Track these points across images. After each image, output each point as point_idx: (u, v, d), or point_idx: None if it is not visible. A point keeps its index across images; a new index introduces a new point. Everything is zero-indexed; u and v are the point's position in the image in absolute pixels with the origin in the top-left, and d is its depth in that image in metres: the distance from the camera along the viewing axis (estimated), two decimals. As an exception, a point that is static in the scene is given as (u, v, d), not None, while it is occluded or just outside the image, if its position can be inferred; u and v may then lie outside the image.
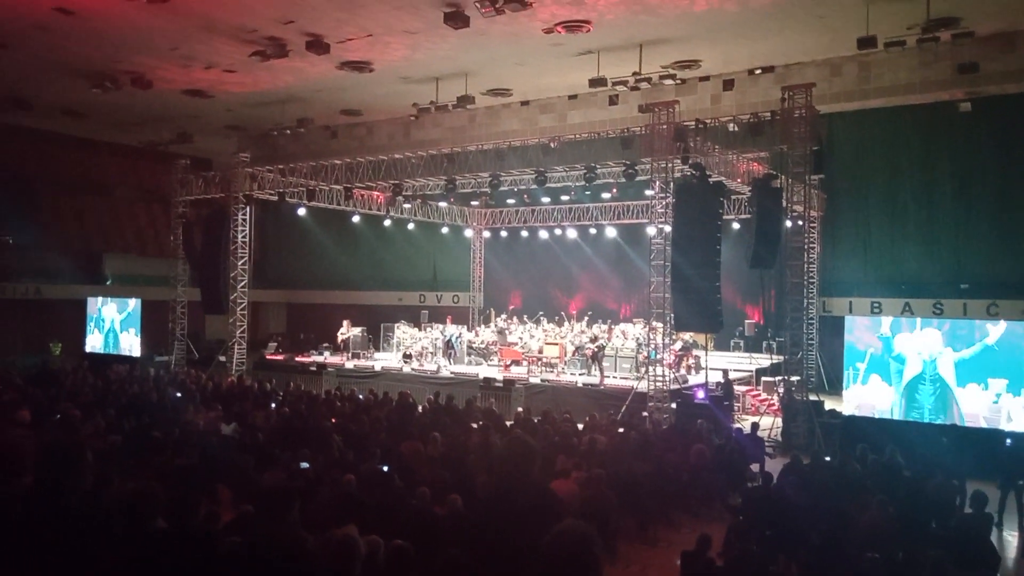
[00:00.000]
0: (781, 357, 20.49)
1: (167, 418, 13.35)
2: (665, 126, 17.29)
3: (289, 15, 15.73)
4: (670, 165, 17.54)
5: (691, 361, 21.44)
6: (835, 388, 20.39)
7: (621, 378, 20.28)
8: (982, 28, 15.54)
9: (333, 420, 13.93)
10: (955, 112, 18.19)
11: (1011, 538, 10.73)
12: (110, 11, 15.55)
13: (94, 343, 27.50)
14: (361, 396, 18.12)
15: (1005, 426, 14.19)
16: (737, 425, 16.66)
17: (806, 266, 18.26)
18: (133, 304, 26.40)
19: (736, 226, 23.84)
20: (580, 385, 19.85)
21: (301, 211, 26.86)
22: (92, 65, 19.20)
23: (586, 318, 25.45)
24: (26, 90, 21.94)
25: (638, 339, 21.49)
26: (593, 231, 28.88)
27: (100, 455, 8.04)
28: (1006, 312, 20.51)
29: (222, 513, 7.13)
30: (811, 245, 19.28)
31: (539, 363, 22.07)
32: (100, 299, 27.70)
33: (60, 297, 27.63)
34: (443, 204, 29.37)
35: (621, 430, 14.12)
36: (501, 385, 20.10)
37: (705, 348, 21.77)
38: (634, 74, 17.79)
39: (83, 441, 6.25)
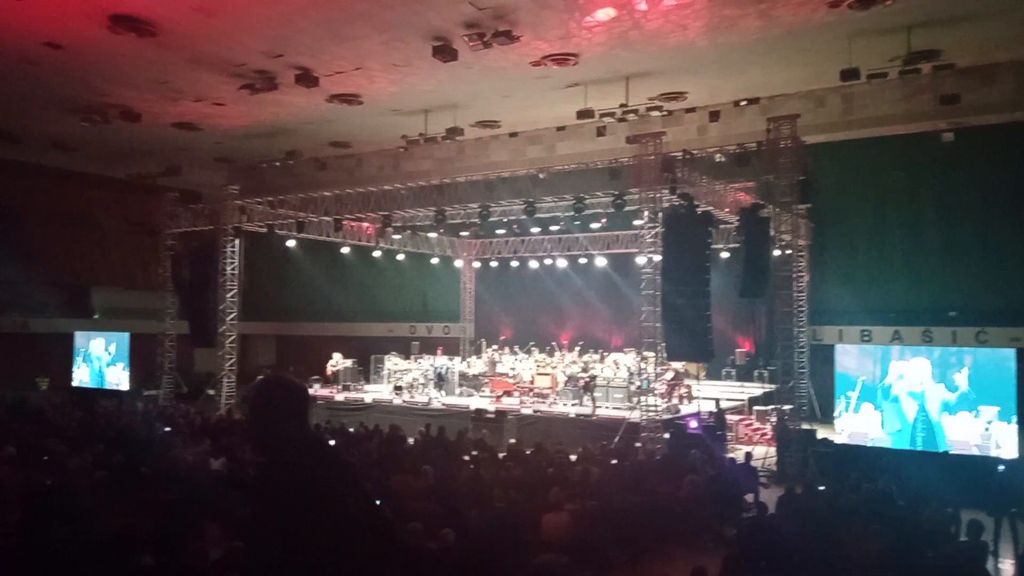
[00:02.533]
0: (773, 386, 20.50)
1: (155, 453, 13.20)
2: (652, 157, 17.41)
3: (278, 49, 15.85)
4: (658, 195, 17.64)
5: (683, 391, 21.41)
6: (827, 416, 20.38)
7: (613, 408, 20.20)
8: (962, 60, 15.79)
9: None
10: (939, 142, 18.39)
11: (1006, 567, 10.69)
12: (99, 45, 15.62)
13: (81, 377, 27.26)
14: (352, 429, 17.97)
15: (994, 453, 14.20)
16: (730, 455, 16.60)
17: (795, 295, 18.35)
18: (119, 338, 26.24)
19: (725, 255, 23.94)
20: (572, 416, 19.76)
21: (290, 243, 26.83)
22: (81, 99, 19.24)
23: (577, 348, 25.42)
24: (14, 124, 21.94)
25: (630, 369, 21.46)
26: (583, 261, 28.92)
27: (88, 491, 7.94)
28: (995, 339, 20.61)
29: (211, 549, 7.03)
30: (799, 274, 19.41)
31: (531, 393, 21.98)
32: (88, 333, 27.51)
33: (47, 331, 27.41)
34: (433, 235, 29.40)
35: (614, 461, 14.04)
36: (493, 416, 20.01)
37: (697, 377, 21.75)
38: (621, 106, 17.97)
39: (75, 486, 6.15)
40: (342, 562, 2.64)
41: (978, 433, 14.58)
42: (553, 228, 27.03)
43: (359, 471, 3.28)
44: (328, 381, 25.48)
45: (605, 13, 14.04)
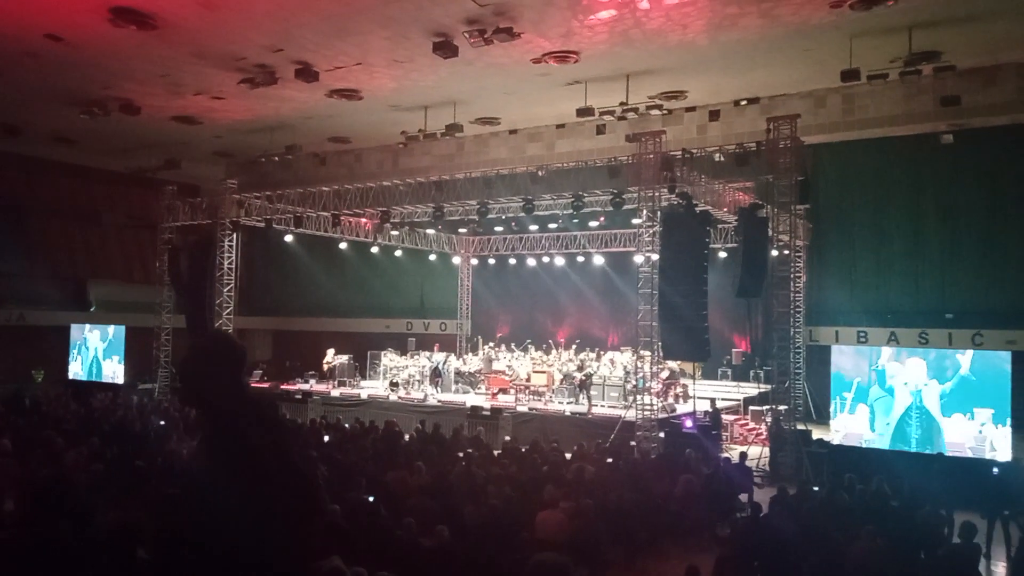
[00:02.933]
0: (768, 386, 20.51)
1: (150, 446, 13.20)
2: (652, 155, 17.41)
3: (279, 43, 15.83)
4: (657, 194, 17.64)
5: (679, 390, 21.43)
6: (822, 417, 20.41)
7: (609, 407, 20.23)
8: (963, 62, 15.81)
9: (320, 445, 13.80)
10: (940, 144, 18.41)
11: (998, 569, 10.72)
12: (100, 38, 15.59)
13: (76, 370, 27.25)
14: (347, 425, 17.98)
15: (989, 455, 14.24)
16: (725, 455, 16.62)
17: (792, 295, 18.35)
18: (116, 331, 26.22)
19: (723, 255, 23.96)
20: (568, 414, 19.78)
21: (288, 238, 26.83)
22: (81, 91, 19.21)
23: (574, 346, 25.44)
24: (15, 116, 21.91)
25: (626, 367, 21.48)
26: (581, 259, 28.93)
27: (84, 484, 7.93)
28: (991, 342, 20.63)
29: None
30: (797, 274, 19.40)
31: (527, 391, 22.00)
32: (84, 326, 27.49)
33: (44, 324, 27.38)
34: (431, 231, 29.40)
35: (609, 460, 14.06)
36: (488, 413, 20.01)
37: (692, 377, 21.77)
38: (621, 104, 17.97)
39: (72, 479, 6.13)
40: (267, 524, 2.59)
41: (972, 435, 14.63)
42: (551, 226, 27.03)
43: (299, 436, 3.21)
44: (324, 376, 25.49)
45: (607, 12, 14.04)
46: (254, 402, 2.90)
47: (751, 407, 21.53)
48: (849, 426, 16.05)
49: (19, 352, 27.17)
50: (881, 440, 15.57)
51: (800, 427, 17.01)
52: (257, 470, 2.67)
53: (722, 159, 18.19)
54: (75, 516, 4.19)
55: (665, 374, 20.71)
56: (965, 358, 15.15)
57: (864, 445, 15.64)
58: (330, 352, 25.85)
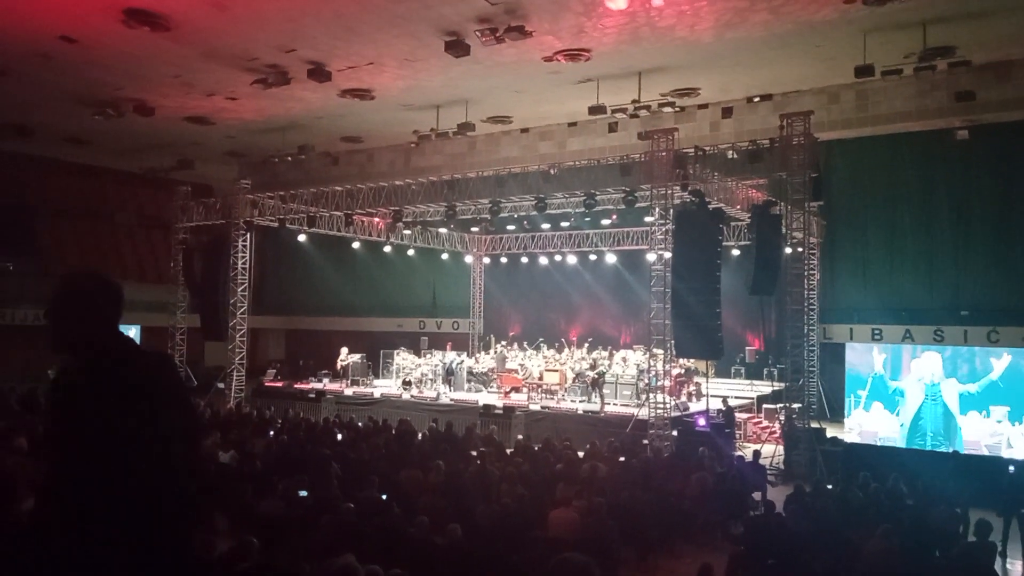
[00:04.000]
0: (782, 384, 20.41)
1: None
2: (664, 153, 17.34)
3: (291, 43, 15.88)
4: (669, 192, 17.57)
5: (692, 388, 21.36)
6: (836, 415, 20.31)
7: (622, 405, 20.18)
8: (978, 57, 15.70)
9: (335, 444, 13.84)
10: (954, 140, 18.27)
11: (1015, 567, 10.64)
12: (113, 39, 15.69)
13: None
14: (360, 423, 18.03)
15: (1005, 453, 14.15)
16: (738, 453, 16.56)
17: (806, 293, 18.25)
18: (131, 331, 26.37)
19: (736, 253, 23.85)
20: (580, 412, 19.75)
21: (301, 237, 26.90)
22: (94, 92, 19.33)
23: (586, 344, 25.40)
24: (28, 117, 22.07)
25: (639, 366, 21.43)
26: (593, 257, 28.89)
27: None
28: (1006, 339, 20.44)
29: (219, 542, 7.06)
30: (811, 272, 19.28)
31: (539, 390, 21.98)
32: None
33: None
34: (443, 230, 29.40)
35: (622, 458, 14.03)
36: (501, 412, 20.00)
37: (706, 375, 21.70)
38: (633, 102, 17.93)
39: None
40: (151, 468, 2.48)
41: (988, 433, 14.54)
42: (563, 224, 26.97)
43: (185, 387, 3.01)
44: (337, 375, 25.56)
45: (617, 7, 14.00)
46: (132, 343, 2.72)
47: (765, 405, 21.44)
48: (864, 423, 15.97)
49: (34, 351, 27.36)
50: (900, 437, 15.49)
51: (814, 425, 16.93)
52: (147, 411, 2.50)
53: (735, 156, 18.11)
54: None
55: (677, 372, 20.65)
56: (1001, 363, 15.01)
57: (879, 443, 15.56)
58: (343, 351, 25.92)
